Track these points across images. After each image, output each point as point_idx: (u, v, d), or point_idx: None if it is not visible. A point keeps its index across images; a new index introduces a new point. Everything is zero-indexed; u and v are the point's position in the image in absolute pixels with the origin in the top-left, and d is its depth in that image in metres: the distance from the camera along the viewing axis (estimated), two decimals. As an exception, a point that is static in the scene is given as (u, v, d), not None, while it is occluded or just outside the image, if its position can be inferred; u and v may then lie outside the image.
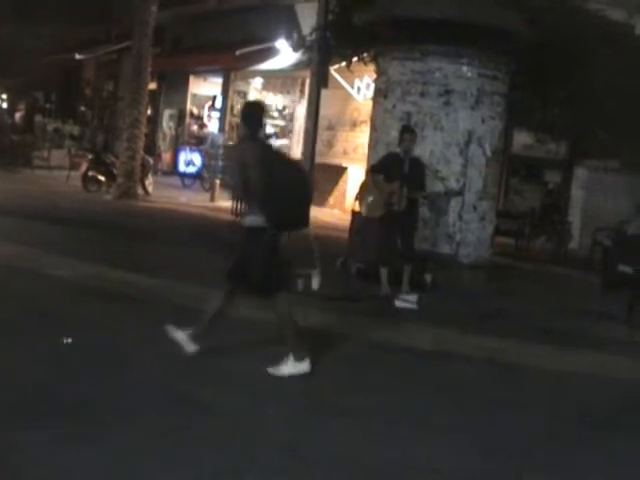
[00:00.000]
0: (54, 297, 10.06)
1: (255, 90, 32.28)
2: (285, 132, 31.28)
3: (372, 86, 18.27)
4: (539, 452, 6.74)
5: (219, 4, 31.43)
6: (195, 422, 6.44)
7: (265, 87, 31.96)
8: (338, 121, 27.30)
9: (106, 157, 23.87)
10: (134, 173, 22.54)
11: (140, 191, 22.98)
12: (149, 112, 28.91)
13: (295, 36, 27.60)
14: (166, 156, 33.45)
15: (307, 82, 26.86)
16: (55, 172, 27.28)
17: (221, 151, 25.80)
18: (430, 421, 7.20)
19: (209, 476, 5.57)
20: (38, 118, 37.64)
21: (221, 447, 6.02)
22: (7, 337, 8.10)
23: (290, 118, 31.16)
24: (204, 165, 26.52)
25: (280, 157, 8.54)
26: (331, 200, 26.40)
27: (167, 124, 35.56)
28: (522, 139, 23.66)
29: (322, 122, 24.25)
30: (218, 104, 32.69)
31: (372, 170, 12.90)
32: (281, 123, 31.94)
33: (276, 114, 32.10)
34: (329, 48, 20.81)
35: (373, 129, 15.07)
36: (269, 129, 31.39)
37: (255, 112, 8.53)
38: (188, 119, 34.48)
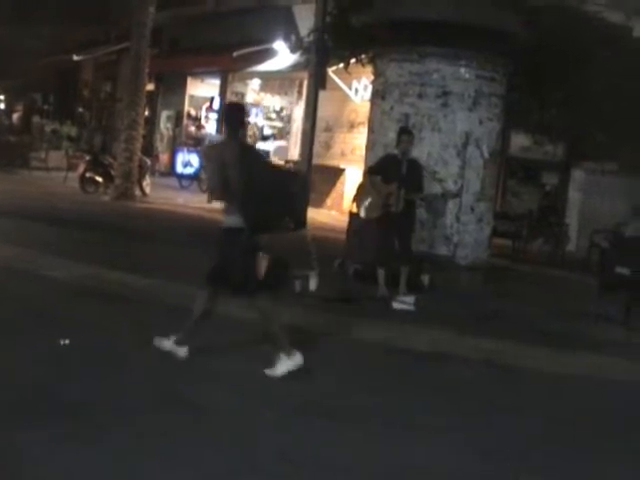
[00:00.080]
0: (51, 298, 10.05)
1: (253, 91, 32.30)
2: (283, 133, 31.31)
3: (370, 88, 18.26)
4: (537, 454, 6.74)
5: (217, 5, 31.45)
6: (189, 423, 6.44)
7: (263, 88, 31.97)
8: (336, 122, 27.32)
9: (104, 158, 23.86)
10: (132, 174, 22.54)
11: (137, 192, 22.98)
12: (147, 113, 28.90)
13: (293, 38, 27.64)
14: (164, 157, 33.42)
15: (305, 83, 26.88)
16: (53, 173, 27.26)
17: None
18: (428, 423, 7.19)
19: (202, 478, 5.58)
20: (36, 119, 37.61)
21: (213, 449, 6.00)
22: (5, 338, 8.09)
23: (288, 119, 31.19)
24: (202, 166, 26.50)
25: (259, 158, 8.56)
26: (329, 201, 26.38)
27: (165, 125, 35.54)
28: (519, 141, 23.68)
29: (320, 123, 24.26)
30: (216, 105, 32.69)
31: (370, 172, 12.91)
32: (279, 125, 31.97)
33: (274, 115, 32.15)
34: (327, 50, 20.84)
35: (371, 131, 15.06)
36: (267, 130, 31.44)
37: (235, 112, 8.62)
38: (186, 120, 34.46)
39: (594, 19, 19.54)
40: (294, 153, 28.27)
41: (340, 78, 24.65)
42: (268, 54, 29.00)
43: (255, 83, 31.92)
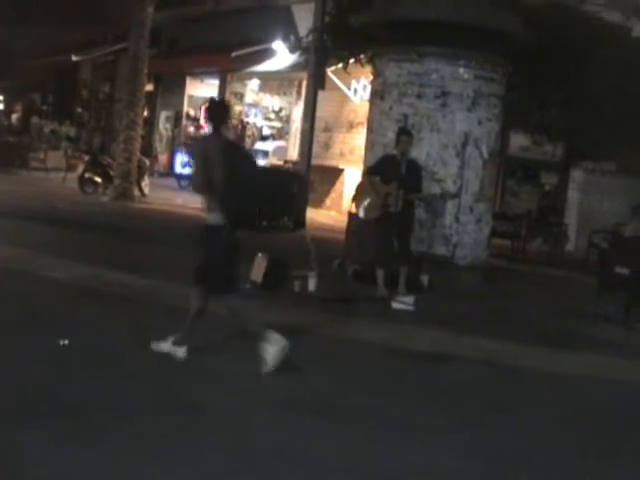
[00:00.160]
0: (51, 299, 10.04)
1: (252, 92, 32.31)
2: (282, 134, 31.32)
3: (369, 88, 18.29)
4: (537, 454, 6.73)
5: (216, 5, 31.43)
6: (187, 423, 6.44)
7: (262, 89, 31.99)
8: (335, 123, 27.32)
9: (103, 159, 23.87)
10: (130, 175, 22.55)
11: (136, 193, 22.98)
12: (145, 114, 28.88)
13: (292, 38, 27.63)
14: (162, 158, 33.43)
15: (304, 84, 26.87)
16: (51, 174, 27.26)
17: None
18: (427, 423, 7.18)
19: (200, 478, 5.58)
20: (34, 119, 37.61)
21: (211, 449, 5.99)
22: (4, 338, 8.08)
23: (287, 120, 31.20)
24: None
25: (242, 154, 8.57)
26: (328, 202, 26.39)
27: (164, 126, 35.54)
28: (518, 141, 23.70)
29: (319, 124, 24.28)
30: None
31: (369, 172, 12.92)
32: (278, 125, 31.98)
33: (273, 116, 32.15)
34: (326, 50, 20.85)
35: (370, 131, 15.07)
36: (266, 131, 31.44)
37: (218, 109, 8.63)
38: (185, 121, 34.45)
39: (593, 19, 19.56)
40: (293, 153, 28.28)
41: (339, 78, 24.66)
42: (267, 54, 29.00)
43: (254, 83, 31.93)
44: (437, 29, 13.52)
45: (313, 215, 21.96)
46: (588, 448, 7.04)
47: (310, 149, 22.31)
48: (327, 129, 27.27)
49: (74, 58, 38.47)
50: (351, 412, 7.24)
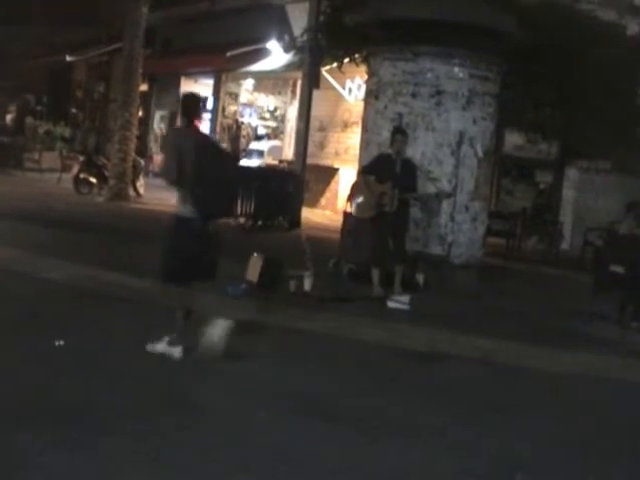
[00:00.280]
0: (47, 299, 10.03)
1: (246, 91, 32.30)
2: (277, 133, 31.32)
3: (363, 87, 18.28)
4: (538, 454, 6.74)
5: (210, 5, 31.40)
6: (186, 424, 6.44)
7: (256, 88, 31.98)
8: (330, 122, 27.32)
9: (97, 159, 23.83)
10: (125, 175, 22.52)
11: (132, 193, 22.96)
12: (140, 114, 28.87)
13: (286, 37, 27.60)
14: (157, 158, 33.33)
15: (298, 83, 26.87)
16: (46, 174, 27.23)
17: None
18: (427, 423, 7.19)
19: (199, 478, 5.58)
20: (29, 120, 37.51)
21: (210, 449, 6.00)
22: (1, 339, 8.09)
23: (281, 119, 31.20)
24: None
25: (215, 147, 8.59)
26: (323, 201, 26.40)
27: (158, 126, 35.51)
28: (513, 139, 23.69)
29: (314, 123, 24.25)
30: (209, 106, 32.66)
31: (364, 171, 12.91)
32: (272, 124, 31.98)
33: (268, 115, 32.14)
34: (320, 49, 20.83)
35: (364, 130, 15.06)
36: (261, 130, 31.44)
37: (192, 102, 8.73)
38: (179, 121, 34.39)
39: (587, 18, 19.59)
40: (288, 153, 28.26)
41: (334, 78, 24.66)
42: (262, 54, 28.97)
43: (249, 83, 31.91)
44: (432, 28, 13.52)
45: (308, 214, 22.00)
46: (590, 447, 7.06)
47: (305, 148, 22.28)
48: (322, 128, 27.27)
49: (68, 58, 38.44)
50: (351, 412, 7.25)
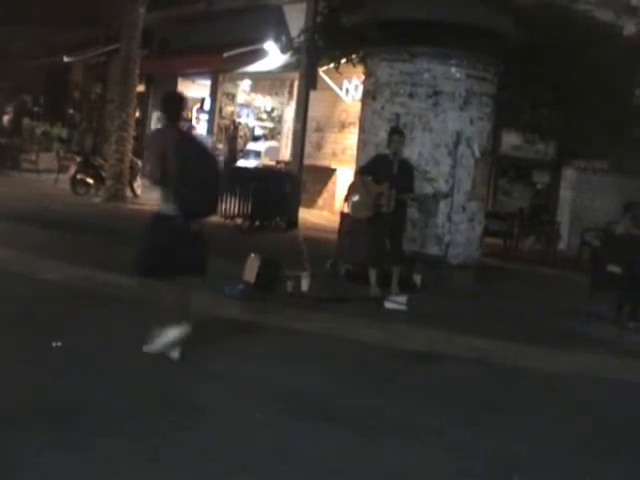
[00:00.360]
0: (44, 300, 10.02)
1: (243, 92, 32.30)
2: (274, 134, 31.32)
3: (361, 87, 18.29)
4: (535, 454, 6.74)
5: (207, 6, 31.40)
6: (186, 424, 6.43)
7: (253, 89, 31.99)
8: (327, 123, 27.33)
9: (94, 160, 23.83)
10: (123, 176, 22.50)
11: (129, 194, 22.94)
12: (137, 114, 28.85)
13: (283, 38, 27.62)
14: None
15: (296, 84, 26.82)
16: (43, 175, 27.20)
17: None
18: (426, 423, 7.18)
19: (198, 478, 5.58)
20: (26, 121, 37.50)
21: (209, 449, 6.00)
22: (-2, 339, 8.11)
23: (279, 120, 31.20)
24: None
25: (198, 147, 8.59)
26: (320, 201, 26.40)
27: (156, 126, 35.43)
28: (511, 140, 23.72)
29: (311, 124, 24.26)
30: (206, 106, 32.68)
31: (361, 171, 12.92)
32: (270, 125, 31.99)
33: (265, 116, 32.15)
34: (317, 50, 20.84)
35: (362, 130, 15.07)
36: (258, 131, 31.44)
37: (173, 101, 8.71)
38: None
39: (584, 18, 19.61)
40: (285, 153, 28.26)
41: (331, 78, 24.66)
42: (259, 55, 28.98)
43: (246, 84, 31.92)
44: (429, 29, 13.52)
45: (305, 215, 22.00)
46: (587, 447, 7.06)
47: (302, 149, 22.28)
48: (319, 129, 27.27)
49: (66, 59, 38.40)
50: (349, 412, 7.24)
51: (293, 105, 27.53)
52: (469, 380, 8.88)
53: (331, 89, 25.51)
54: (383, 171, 12.21)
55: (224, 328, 9.56)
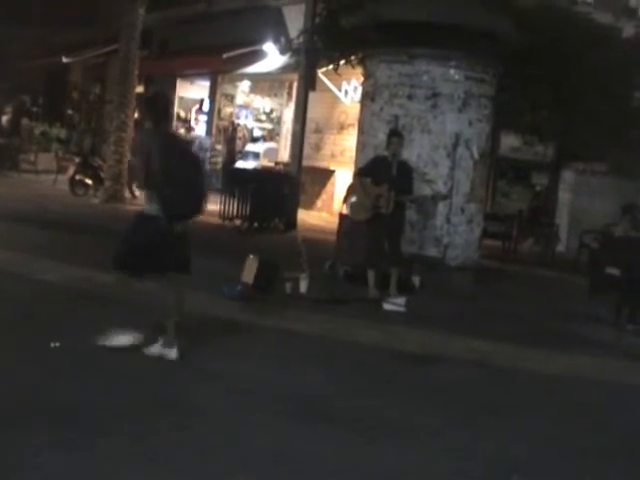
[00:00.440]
0: (43, 301, 10.02)
1: (242, 93, 32.28)
2: (272, 135, 31.31)
3: (359, 89, 18.32)
4: (535, 455, 6.74)
5: (207, 7, 31.39)
6: (185, 424, 6.43)
7: (252, 90, 31.96)
8: (326, 124, 27.32)
9: (93, 160, 23.82)
10: (121, 176, 22.47)
11: (127, 194, 22.91)
12: (136, 115, 28.83)
13: (282, 39, 27.59)
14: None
15: (295, 85, 26.80)
16: (42, 176, 27.18)
17: (208, 154, 25.79)
18: (425, 424, 7.19)
19: (197, 479, 5.58)
20: (25, 121, 37.48)
21: (208, 450, 6.00)
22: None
23: (278, 121, 31.18)
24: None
25: (182, 149, 8.60)
26: (319, 203, 26.40)
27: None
28: (509, 141, 23.74)
29: (310, 125, 24.24)
30: (205, 107, 32.67)
31: (360, 173, 12.91)
32: (269, 126, 31.96)
33: (263, 117, 32.12)
34: (316, 51, 20.82)
35: (361, 132, 15.08)
36: (257, 132, 31.43)
37: (158, 103, 8.70)
38: (175, 122, 34.35)
39: (584, 20, 19.61)
40: (284, 155, 28.26)
41: (330, 80, 24.65)
42: (258, 56, 28.96)
43: (245, 85, 31.90)
44: (428, 31, 13.52)
45: (304, 216, 21.99)
46: (586, 449, 7.06)
47: (301, 150, 22.26)
48: (318, 130, 27.27)
49: (65, 60, 38.38)
50: (348, 413, 7.25)
51: (292, 106, 27.54)
52: (468, 382, 8.89)
53: (330, 90, 25.50)
54: (382, 173, 12.21)
55: (223, 329, 9.56)
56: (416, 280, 13.45)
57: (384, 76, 14.29)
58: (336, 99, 26.15)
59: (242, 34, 29.10)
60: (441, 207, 13.85)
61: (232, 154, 29.35)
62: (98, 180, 22.91)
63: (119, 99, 23.06)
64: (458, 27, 13.49)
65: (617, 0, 24.73)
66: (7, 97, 40.80)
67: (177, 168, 7.91)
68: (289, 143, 26.72)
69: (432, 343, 10.27)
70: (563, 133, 20.73)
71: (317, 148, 27.34)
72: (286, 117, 29.59)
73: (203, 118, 33.02)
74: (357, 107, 17.11)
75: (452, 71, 14.00)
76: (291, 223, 20.01)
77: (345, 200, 13.04)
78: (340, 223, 14.66)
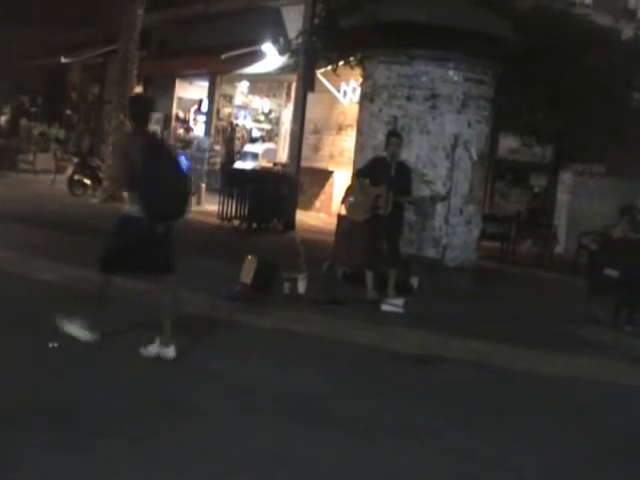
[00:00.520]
0: (42, 301, 10.02)
1: (241, 94, 32.27)
2: (271, 136, 31.28)
3: (358, 90, 18.29)
4: (528, 455, 6.75)
5: (206, 8, 31.39)
6: (184, 425, 6.44)
7: (251, 91, 31.95)
8: (324, 125, 27.31)
9: (92, 161, 23.82)
10: (120, 176, 22.48)
11: (126, 195, 22.88)
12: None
13: (281, 40, 27.59)
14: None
15: (293, 86, 26.84)
16: (40, 176, 27.16)
17: (207, 155, 25.79)
18: (424, 425, 7.20)
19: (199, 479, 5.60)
20: (24, 121, 37.46)
21: (207, 450, 6.00)
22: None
23: (276, 122, 31.16)
24: (190, 169, 26.46)
25: (163, 151, 8.61)
26: (317, 204, 26.40)
27: (153, 128, 35.42)
28: (508, 143, 23.74)
29: (308, 126, 24.25)
30: (204, 108, 32.66)
31: (358, 174, 12.91)
32: (267, 127, 31.94)
33: (262, 118, 32.10)
34: (315, 52, 20.82)
35: (359, 133, 15.08)
36: (255, 133, 31.43)
37: (140, 105, 8.81)
38: (174, 123, 34.38)
39: (582, 22, 19.63)
40: (283, 155, 28.24)
41: (328, 80, 24.63)
42: (257, 56, 28.96)
43: (243, 85, 31.88)
44: (427, 32, 13.53)
45: (303, 217, 21.99)
46: (585, 450, 7.07)
47: (299, 151, 22.26)
48: (316, 131, 27.26)
49: (63, 60, 38.38)
50: (347, 414, 7.26)
51: (291, 107, 27.55)
52: (466, 383, 8.90)
53: (329, 91, 25.49)
54: (381, 174, 12.21)
55: (222, 329, 9.57)
56: (414, 281, 13.45)
57: (383, 77, 14.30)
58: (335, 100, 26.15)
59: (241, 35, 29.09)
60: (440, 208, 13.85)
61: (231, 154, 29.35)
62: (96, 180, 22.89)
63: (118, 99, 23.04)
64: (457, 29, 13.49)
65: (616, 2, 24.76)
66: (6, 97, 40.79)
67: (158, 169, 7.93)
68: (288, 144, 26.74)
69: (431, 344, 10.28)
70: (562, 134, 20.74)
71: (316, 149, 27.33)
72: (285, 118, 29.57)
73: (202, 118, 33.01)
74: (356, 108, 17.10)
75: (451, 72, 14.00)
76: (290, 224, 20.02)
77: (344, 201, 13.04)
78: (338, 224, 14.64)
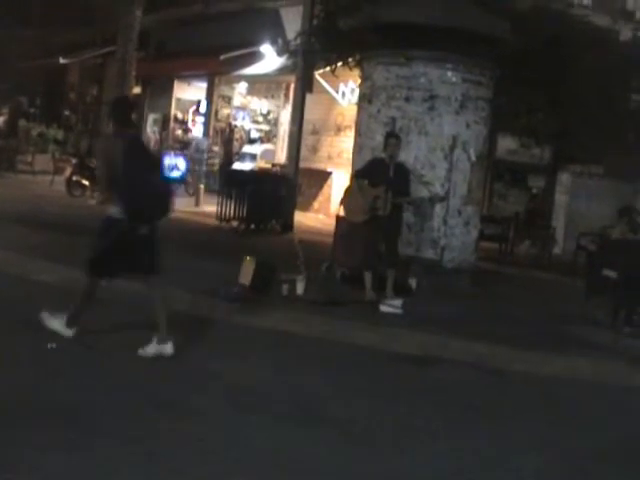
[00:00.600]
0: (40, 302, 10.01)
1: (240, 95, 32.28)
2: (270, 137, 31.28)
3: (357, 91, 18.29)
4: (528, 456, 6.76)
5: (204, 8, 31.39)
6: (182, 425, 6.45)
7: (249, 92, 31.97)
8: (323, 126, 27.32)
9: (90, 162, 23.72)
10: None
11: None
12: (133, 117, 28.80)
13: (280, 41, 27.61)
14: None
15: (292, 87, 26.85)
16: (39, 177, 27.15)
17: (205, 156, 25.79)
18: (418, 425, 7.21)
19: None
20: (22, 122, 37.42)
21: (206, 451, 6.01)
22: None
23: (274, 123, 31.17)
24: (188, 170, 26.46)
25: (144, 153, 8.62)
26: (316, 205, 26.41)
27: (151, 129, 35.45)
28: (506, 144, 23.75)
29: (307, 127, 24.25)
30: (202, 109, 32.67)
31: (357, 175, 12.91)
32: (266, 128, 31.95)
33: (261, 119, 32.12)
34: (314, 53, 20.83)
35: (358, 134, 15.08)
36: (254, 134, 31.43)
37: (121, 107, 8.78)
38: (172, 124, 34.41)
39: (581, 23, 19.64)
40: (281, 156, 28.25)
41: (327, 81, 24.66)
42: (255, 57, 28.98)
43: (242, 86, 31.89)
44: (426, 33, 13.53)
45: (301, 218, 22.01)
46: (584, 450, 7.09)
47: (298, 152, 22.27)
48: (315, 132, 27.27)
49: (62, 61, 38.38)
50: (346, 414, 7.27)
51: (289, 108, 27.55)
52: (465, 383, 8.91)
53: (327, 92, 25.51)
54: (379, 175, 12.22)
55: (220, 330, 9.57)
56: (413, 282, 13.45)
57: (381, 78, 14.30)
58: (333, 101, 26.17)
59: (239, 36, 29.11)
60: (438, 209, 13.85)
61: (229, 155, 29.35)
62: (95, 181, 22.86)
63: (116, 100, 23.04)
64: (455, 30, 13.49)
65: (615, 3, 24.79)
66: (4, 98, 40.79)
67: (138, 170, 7.96)
68: (286, 145, 26.75)
69: (429, 345, 10.28)
70: (560, 136, 20.75)
71: (314, 150, 27.34)
72: (283, 119, 29.59)
73: (200, 119, 33.03)
74: (354, 109, 17.10)
75: (449, 73, 14.00)
76: (288, 225, 20.03)
77: (342, 202, 13.04)
78: (337, 225, 14.64)
